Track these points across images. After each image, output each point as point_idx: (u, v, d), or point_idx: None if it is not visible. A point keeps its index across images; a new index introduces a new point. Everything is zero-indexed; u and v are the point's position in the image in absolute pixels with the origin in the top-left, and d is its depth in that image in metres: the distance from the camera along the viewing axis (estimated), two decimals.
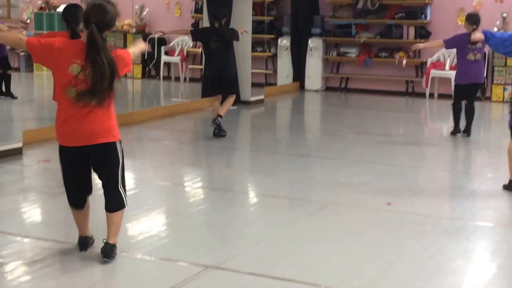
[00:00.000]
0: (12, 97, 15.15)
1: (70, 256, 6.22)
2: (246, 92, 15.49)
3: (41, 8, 21.27)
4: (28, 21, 19.18)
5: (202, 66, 16.74)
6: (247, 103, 15.49)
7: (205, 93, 11.67)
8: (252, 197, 8.86)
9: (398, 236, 7.04)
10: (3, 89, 15.22)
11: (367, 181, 9.21)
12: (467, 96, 12.22)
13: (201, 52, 16.16)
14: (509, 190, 8.57)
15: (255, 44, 18.89)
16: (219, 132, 11.56)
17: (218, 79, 11.84)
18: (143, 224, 7.38)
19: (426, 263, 6.29)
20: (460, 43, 11.96)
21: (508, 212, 8.16)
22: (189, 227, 7.44)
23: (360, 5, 18.36)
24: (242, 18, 14.85)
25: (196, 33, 12.11)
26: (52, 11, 20.98)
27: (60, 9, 20.81)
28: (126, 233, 6.93)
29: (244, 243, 6.84)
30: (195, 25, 19.41)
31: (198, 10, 18.98)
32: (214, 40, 11.51)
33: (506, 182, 8.66)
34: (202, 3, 17.38)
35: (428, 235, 7.07)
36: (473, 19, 11.74)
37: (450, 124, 13.51)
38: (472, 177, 9.85)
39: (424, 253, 6.56)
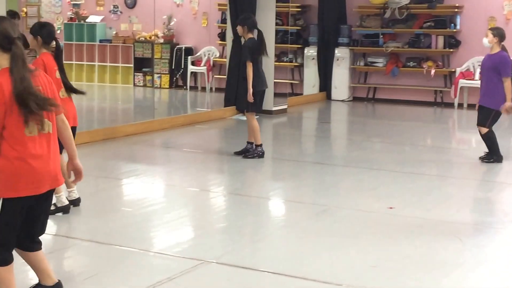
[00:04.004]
0: None
1: None
2: (269, 101, 15.14)
3: (70, 19, 21.70)
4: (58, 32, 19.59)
5: (225, 76, 16.86)
6: (269, 112, 15.41)
7: (249, 107, 10.89)
8: (268, 200, 9.05)
9: (394, 236, 7.29)
10: None
11: (379, 187, 9.48)
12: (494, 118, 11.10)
13: (229, 61, 16.27)
14: None
15: (281, 54, 19.16)
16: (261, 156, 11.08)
17: (262, 93, 11.37)
18: (170, 226, 7.81)
19: (415, 261, 6.55)
20: None
21: (510, 217, 8.23)
22: (210, 228, 7.77)
23: (387, 15, 18.38)
24: (265, 27, 14.25)
25: (252, 52, 10.87)
26: (82, 22, 21.52)
27: (90, 19, 21.43)
28: (152, 232, 7.47)
29: (247, 241, 7.23)
30: (222, 35, 19.62)
31: (224, 21, 18.93)
32: (259, 50, 11.00)
33: None
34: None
35: (423, 236, 7.30)
36: (500, 33, 10.97)
37: (477, 135, 13.67)
38: (495, 187, 9.98)
39: (415, 251, 6.82)
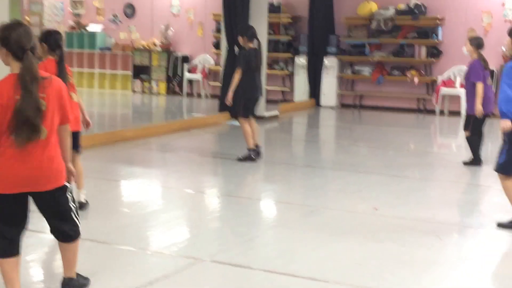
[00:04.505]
0: None
1: None
2: (261, 107, 15.08)
3: (71, 28, 21.76)
4: None
5: (220, 84, 16.77)
6: (261, 118, 15.31)
7: (241, 113, 10.87)
8: (260, 202, 9.11)
9: (379, 236, 7.32)
10: None
11: (365, 190, 9.52)
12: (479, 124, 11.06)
13: (223, 68, 16.25)
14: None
15: (272, 63, 19.31)
16: (257, 158, 11.17)
17: (257, 99, 11.46)
18: (167, 226, 7.83)
19: (398, 259, 6.60)
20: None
21: (488, 218, 8.16)
22: (205, 228, 7.78)
23: (373, 26, 18.52)
24: (258, 37, 14.45)
25: (246, 60, 10.93)
26: (83, 31, 21.55)
27: (90, 28, 21.45)
28: (149, 231, 7.52)
29: (240, 240, 7.17)
30: (216, 44, 19.67)
31: (218, 30, 19.02)
32: (256, 59, 11.07)
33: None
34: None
35: (405, 236, 7.34)
36: (478, 42, 10.98)
37: (458, 140, 13.72)
38: (476, 190, 10.07)
39: (398, 250, 6.87)
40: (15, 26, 4.99)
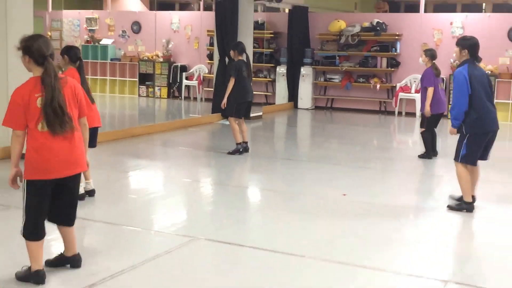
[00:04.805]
0: None
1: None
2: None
3: (87, 41, 21.66)
4: None
5: (213, 89, 16.70)
6: (247, 118, 14.47)
7: (232, 113, 10.85)
8: (247, 189, 9.07)
9: (347, 217, 7.37)
10: None
11: (335, 178, 9.51)
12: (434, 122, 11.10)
13: (215, 76, 16.18)
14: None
15: (257, 71, 19.29)
16: (243, 152, 11.15)
17: (249, 102, 11.37)
18: (168, 209, 7.83)
19: (363, 237, 6.63)
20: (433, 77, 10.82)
21: (440, 201, 8.17)
22: (200, 211, 7.82)
23: (342, 40, 18.46)
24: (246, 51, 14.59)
25: (237, 70, 10.93)
26: (96, 44, 21.45)
27: (102, 42, 21.35)
28: (153, 214, 7.49)
29: (230, 221, 7.15)
30: (210, 55, 19.56)
31: (211, 44, 18.91)
32: (246, 69, 11.06)
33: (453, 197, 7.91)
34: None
35: (370, 218, 7.37)
36: (431, 54, 11.00)
37: (414, 137, 13.71)
38: (430, 179, 10.01)
39: (363, 230, 6.89)
40: (36, 37, 5.07)
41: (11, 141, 4.97)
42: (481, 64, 7.35)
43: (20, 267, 5.20)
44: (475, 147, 7.44)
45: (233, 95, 10.99)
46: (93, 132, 7.85)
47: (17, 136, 4.94)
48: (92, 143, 7.80)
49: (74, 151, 5.10)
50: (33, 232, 5.01)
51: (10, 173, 4.99)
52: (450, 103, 8.03)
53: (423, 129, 11.06)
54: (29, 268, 5.09)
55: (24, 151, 5.02)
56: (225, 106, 11.09)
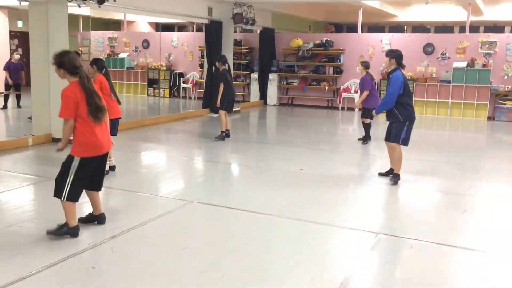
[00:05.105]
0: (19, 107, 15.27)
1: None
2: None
3: (109, 55, 21.44)
4: None
5: (203, 90, 16.52)
6: (230, 112, 14.90)
7: (222, 108, 11.07)
8: (229, 165, 9.01)
9: (303, 186, 7.37)
10: (19, 104, 15.41)
11: (295, 157, 9.50)
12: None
13: (205, 81, 16.07)
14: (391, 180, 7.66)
15: (236, 77, 19.20)
16: (225, 137, 11.16)
17: (234, 100, 11.29)
18: (170, 180, 7.80)
19: (316, 200, 6.64)
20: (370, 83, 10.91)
21: (374, 173, 8.27)
22: (194, 181, 7.79)
23: (300, 54, 18.42)
24: (228, 62, 14.60)
25: (225, 77, 10.91)
26: (116, 56, 21.23)
27: (120, 55, 21.12)
28: (159, 184, 7.47)
29: (216, 188, 7.16)
30: (201, 65, 19.41)
31: (202, 56, 18.78)
32: (229, 76, 11.08)
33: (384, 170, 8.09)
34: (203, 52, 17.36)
35: (320, 186, 7.39)
36: (366, 65, 11.09)
37: (353, 126, 13.71)
38: (367, 157, 9.96)
39: (315, 195, 6.91)
40: (66, 53, 5.07)
41: (64, 128, 4.91)
42: (403, 71, 7.46)
43: (55, 224, 5.18)
44: (409, 133, 7.53)
45: (223, 95, 10.98)
46: (115, 122, 7.81)
47: (70, 124, 4.90)
48: (114, 131, 7.77)
49: (106, 133, 5.18)
50: (74, 195, 5.00)
51: (60, 145, 5.00)
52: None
53: (368, 121, 11.07)
54: (66, 224, 5.07)
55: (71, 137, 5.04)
56: (219, 104, 11.03)
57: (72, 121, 4.90)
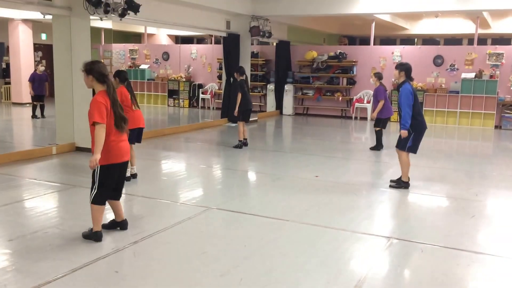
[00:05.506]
0: (43, 117, 15.36)
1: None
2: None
3: (130, 66, 21.61)
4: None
5: (221, 100, 16.63)
6: (247, 121, 14.82)
7: (239, 119, 11.16)
8: (246, 172, 9.02)
9: (319, 192, 7.37)
10: (43, 114, 15.50)
11: (310, 164, 9.48)
12: (385, 124, 11.21)
13: (223, 91, 16.13)
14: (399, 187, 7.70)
15: (253, 88, 19.25)
16: (243, 146, 11.19)
17: (250, 110, 11.26)
18: (189, 187, 7.82)
19: (331, 206, 6.64)
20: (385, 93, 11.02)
21: (385, 180, 8.19)
22: (213, 188, 7.79)
23: (315, 65, 18.45)
24: (246, 73, 14.60)
25: (241, 87, 10.97)
26: (136, 68, 21.41)
27: (141, 67, 21.31)
28: (179, 191, 7.51)
29: (235, 195, 7.20)
30: (219, 76, 19.49)
31: (220, 68, 18.91)
32: (246, 86, 11.09)
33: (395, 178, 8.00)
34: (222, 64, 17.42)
35: (335, 192, 7.38)
36: (379, 76, 11.18)
37: (366, 135, 13.65)
38: (379, 164, 9.94)
39: (331, 201, 6.90)
40: (95, 62, 5.15)
41: (98, 134, 4.78)
42: (413, 82, 7.43)
43: (84, 228, 5.25)
44: (417, 142, 7.52)
45: (239, 105, 11.03)
46: (139, 131, 7.86)
47: (103, 129, 4.83)
48: (138, 139, 7.84)
49: (127, 143, 5.22)
50: (101, 200, 5.08)
51: (93, 157, 4.79)
52: (395, 110, 8.07)
53: (378, 128, 11.16)
54: (91, 229, 5.13)
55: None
56: (237, 114, 11.10)
57: (105, 126, 4.84)
